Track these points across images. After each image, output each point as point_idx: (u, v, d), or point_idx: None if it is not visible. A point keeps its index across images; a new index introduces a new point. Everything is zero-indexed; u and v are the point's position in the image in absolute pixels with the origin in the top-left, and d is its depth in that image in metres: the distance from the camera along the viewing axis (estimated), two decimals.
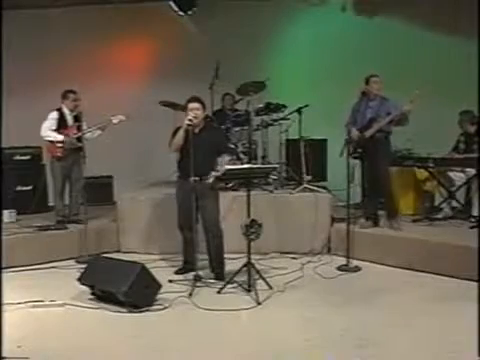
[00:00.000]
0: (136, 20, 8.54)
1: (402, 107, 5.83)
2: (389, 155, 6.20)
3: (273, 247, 6.19)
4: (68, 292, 4.85)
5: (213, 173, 5.02)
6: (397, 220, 6.12)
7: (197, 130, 5.15)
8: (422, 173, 6.82)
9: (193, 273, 5.02)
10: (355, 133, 6.00)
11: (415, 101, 5.76)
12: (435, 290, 4.92)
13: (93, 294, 4.76)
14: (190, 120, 4.98)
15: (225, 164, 5.10)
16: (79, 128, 6.35)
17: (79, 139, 6.35)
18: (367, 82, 6.08)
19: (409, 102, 5.80)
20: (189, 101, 5.15)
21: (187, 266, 5.42)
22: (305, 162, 6.85)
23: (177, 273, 5.45)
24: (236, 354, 3.70)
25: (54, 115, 6.46)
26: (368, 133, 5.97)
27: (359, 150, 6.05)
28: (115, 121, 6.43)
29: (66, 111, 6.52)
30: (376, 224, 6.24)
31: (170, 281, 5.17)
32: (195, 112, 5.07)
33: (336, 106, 7.69)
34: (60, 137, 6.37)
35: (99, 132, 6.58)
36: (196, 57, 8.23)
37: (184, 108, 5.21)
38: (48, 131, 6.38)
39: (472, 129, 6.58)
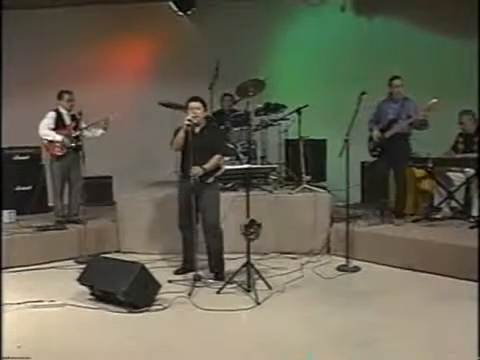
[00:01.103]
0: (135, 20, 8.53)
1: (420, 113, 6.01)
2: (407, 156, 6.31)
3: (272, 247, 6.19)
4: (68, 292, 4.84)
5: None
6: (401, 219, 6.30)
7: (197, 130, 5.16)
8: (424, 178, 6.83)
9: (193, 273, 5.02)
10: (376, 133, 6.27)
11: (431, 110, 5.97)
12: (434, 290, 4.92)
13: (93, 294, 4.76)
14: (189, 120, 4.99)
15: (213, 165, 5.12)
16: (77, 127, 6.40)
17: (77, 138, 6.36)
18: (390, 83, 6.28)
19: (425, 110, 6.01)
20: (190, 100, 5.15)
21: (186, 266, 5.42)
22: (304, 162, 6.84)
23: (176, 273, 5.45)
24: (235, 354, 3.70)
25: (52, 115, 6.47)
26: (388, 134, 6.21)
27: (378, 149, 6.34)
28: (111, 118, 6.43)
29: (63, 111, 6.53)
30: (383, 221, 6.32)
31: (170, 281, 5.16)
32: (195, 111, 5.08)
33: (335, 106, 7.74)
34: (59, 137, 6.38)
35: (101, 131, 6.58)
36: (196, 57, 8.23)
37: (185, 108, 5.21)
38: (46, 130, 6.38)
39: (473, 128, 6.57)
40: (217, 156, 5.17)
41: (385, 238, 5.89)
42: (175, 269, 5.55)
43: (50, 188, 6.95)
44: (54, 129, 6.42)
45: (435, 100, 5.90)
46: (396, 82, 6.24)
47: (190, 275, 5.14)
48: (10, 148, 7.34)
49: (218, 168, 5.12)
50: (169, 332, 4.11)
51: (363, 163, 7.80)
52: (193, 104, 5.12)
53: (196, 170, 4.99)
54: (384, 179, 6.43)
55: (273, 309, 4.51)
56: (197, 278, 4.96)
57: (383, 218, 6.40)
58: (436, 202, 6.70)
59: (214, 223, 5.19)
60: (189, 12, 8.62)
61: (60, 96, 6.55)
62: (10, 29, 7.29)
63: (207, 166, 5.06)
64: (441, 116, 7.10)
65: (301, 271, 5.54)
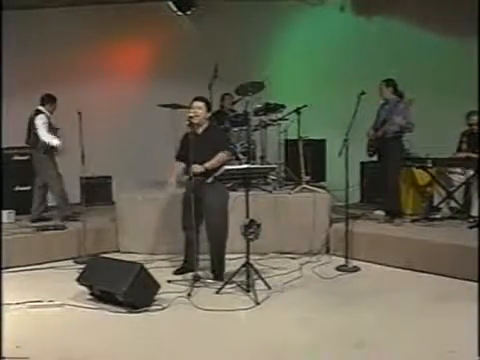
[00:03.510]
0: (134, 20, 8.53)
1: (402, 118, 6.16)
2: (398, 156, 6.34)
3: (272, 247, 6.19)
4: (67, 292, 4.84)
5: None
6: (399, 219, 6.32)
7: (200, 131, 5.17)
8: (424, 178, 6.83)
9: (192, 273, 5.01)
10: (371, 132, 6.43)
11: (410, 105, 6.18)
12: (434, 290, 4.92)
13: (92, 294, 4.76)
14: (190, 117, 5.01)
15: (216, 162, 5.12)
16: (57, 130, 6.65)
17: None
18: None
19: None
20: (193, 100, 5.19)
21: (187, 266, 5.37)
22: (304, 162, 6.85)
23: (176, 273, 5.42)
24: (235, 354, 3.70)
25: (45, 119, 6.54)
26: (379, 133, 6.31)
27: (372, 148, 6.47)
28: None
29: (48, 114, 6.65)
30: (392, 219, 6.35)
31: (169, 281, 5.16)
32: (195, 110, 5.10)
33: (335, 106, 7.75)
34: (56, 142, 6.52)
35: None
36: (195, 57, 8.23)
37: (188, 107, 5.24)
38: (49, 136, 6.49)
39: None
40: (220, 154, 5.15)
41: (384, 238, 5.89)
42: (175, 269, 5.52)
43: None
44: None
45: (411, 98, 6.21)
46: (380, 84, 6.38)
47: (189, 275, 5.13)
48: (10, 148, 7.33)
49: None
50: (168, 332, 4.10)
51: (362, 163, 7.81)
52: (195, 103, 5.16)
53: (196, 168, 4.99)
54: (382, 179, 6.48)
55: (272, 309, 4.51)
56: (196, 278, 4.95)
57: (385, 217, 6.43)
58: (435, 202, 6.71)
59: (221, 224, 5.14)
60: (188, 12, 8.61)
61: (47, 100, 6.67)
62: (10, 29, 7.27)
63: (208, 164, 5.05)
64: (441, 116, 7.14)
65: (300, 271, 5.54)
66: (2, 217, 6.49)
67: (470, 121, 6.62)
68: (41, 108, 6.64)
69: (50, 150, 6.56)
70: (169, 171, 5.31)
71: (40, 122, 6.51)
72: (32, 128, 6.60)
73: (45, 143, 6.49)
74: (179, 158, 5.34)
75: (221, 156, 5.15)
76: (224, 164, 5.09)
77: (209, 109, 5.26)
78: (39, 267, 5.80)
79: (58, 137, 6.54)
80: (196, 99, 5.18)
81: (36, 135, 6.56)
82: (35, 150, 6.64)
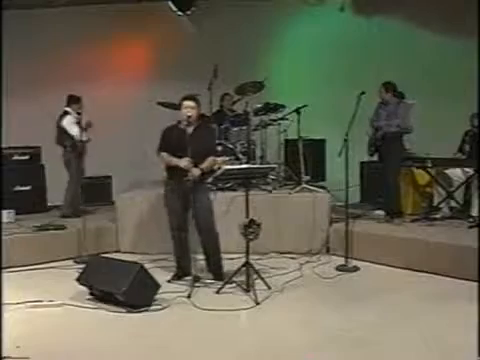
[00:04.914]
0: (134, 20, 8.54)
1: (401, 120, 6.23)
2: (398, 156, 6.36)
3: (272, 247, 6.18)
4: (67, 292, 4.84)
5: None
6: (399, 218, 6.35)
7: (191, 130, 5.07)
8: (424, 178, 6.83)
9: (193, 274, 4.99)
10: (370, 130, 6.51)
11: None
12: (434, 290, 4.92)
13: (92, 294, 4.76)
14: (188, 117, 4.97)
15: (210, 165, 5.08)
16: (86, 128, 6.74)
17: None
18: None
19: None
20: (183, 99, 5.09)
21: (182, 270, 5.25)
22: (304, 162, 6.85)
23: (173, 279, 5.24)
24: (235, 354, 3.70)
25: (70, 119, 6.79)
26: (378, 134, 6.37)
27: (372, 148, 6.52)
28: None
29: (74, 113, 6.83)
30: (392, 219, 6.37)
31: (169, 281, 5.16)
32: (190, 110, 5.02)
33: (335, 106, 7.76)
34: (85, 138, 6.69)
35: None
36: (195, 57, 8.24)
37: (179, 106, 5.16)
38: (77, 131, 6.61)
39: None
40: (211, 158, 5.10)
41: (384, 238, 5.89)
42: (170, 276, 5.30)
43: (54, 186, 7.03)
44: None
45: (413, 101, 6.29)
46: (380, 88, 6.41)
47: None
48: (10, 148, 7.34)
49: (212, 170, 5.08)
50: (168, 332, 4.10)
51: (362, 163, 7.81)
52: (187, 103, 5.05)
53: (196, 172, 4.95)
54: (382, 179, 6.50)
55: (272, 309, 4.51)
56: (196, 278, 4.94)
57: (385, 217, 6.44)
58: (435, 202, 6.71)
59: (209, 226, 5.09)
60: (188, 12, 8.61)
61: (71, 101, 6.90)
62: (10, 29, 7.28)
63: (203, 166, 4.99)
64: (441, 116, 7.14)
65: (300, 271, 5.55)
66: (2, 217, 6.50)
67: (474, 123, 6.62)
68: (68, 109, 6.80)
69: (76, 149, 6.69)
70: (169, 162, 5.12)
71: (66, 122, 6.75)
72: (60, 128, 6.82)
73: (72, 142, 6.69)
74: (166, 151, 5.19)
75: (212, 160, 5.11)
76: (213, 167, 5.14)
77: (200, 106, 5.17)
78: (39, 267, 5.79)
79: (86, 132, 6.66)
80: (187, 99, 5.07)
81: (63, 134, 6.77)
82: (64, 149, 6.84)
